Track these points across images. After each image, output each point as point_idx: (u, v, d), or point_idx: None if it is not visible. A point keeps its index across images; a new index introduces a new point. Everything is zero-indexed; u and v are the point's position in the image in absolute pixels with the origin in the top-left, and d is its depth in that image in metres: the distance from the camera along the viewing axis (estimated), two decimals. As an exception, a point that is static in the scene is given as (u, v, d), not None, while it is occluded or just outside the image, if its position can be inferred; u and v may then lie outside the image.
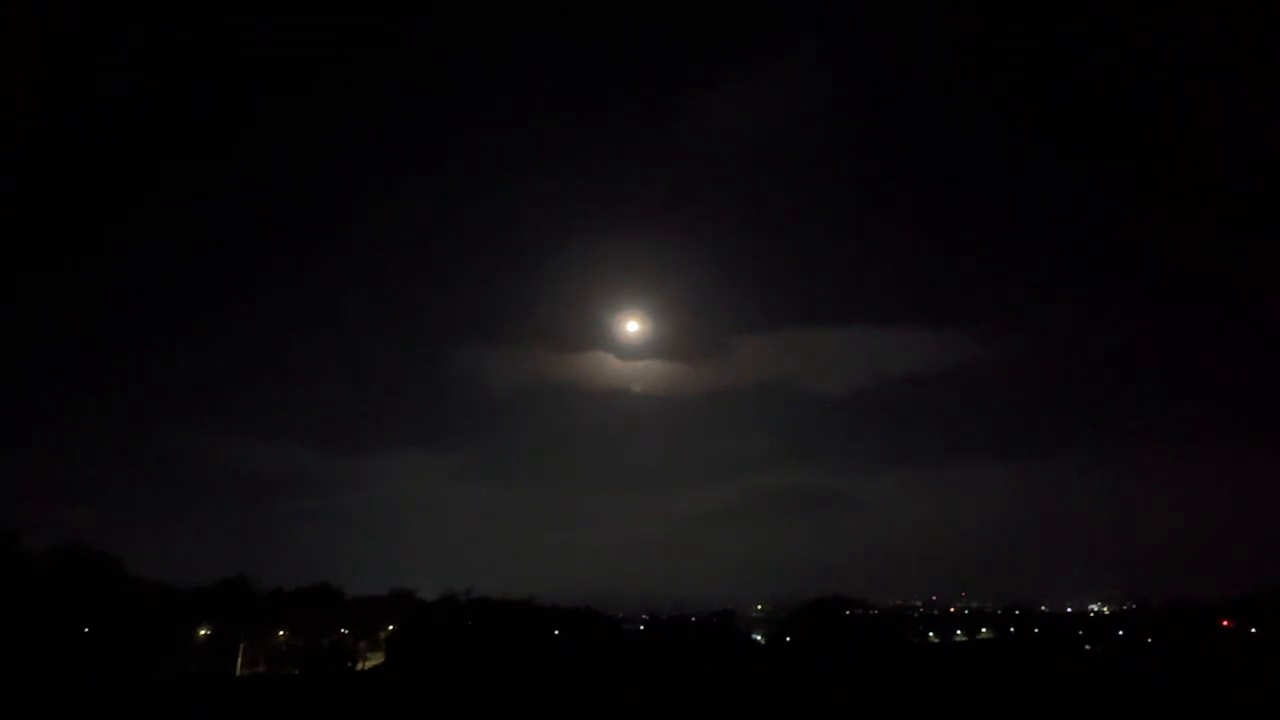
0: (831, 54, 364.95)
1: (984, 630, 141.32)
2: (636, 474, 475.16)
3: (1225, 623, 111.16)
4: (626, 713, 40.46)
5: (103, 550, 63.54)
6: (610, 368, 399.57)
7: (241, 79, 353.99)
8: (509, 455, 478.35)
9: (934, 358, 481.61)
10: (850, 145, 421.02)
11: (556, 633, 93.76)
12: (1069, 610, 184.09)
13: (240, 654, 73.13)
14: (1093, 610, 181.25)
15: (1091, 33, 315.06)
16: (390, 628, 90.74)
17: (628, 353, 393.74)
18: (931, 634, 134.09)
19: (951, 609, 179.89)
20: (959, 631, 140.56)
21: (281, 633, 77.24)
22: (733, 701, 43.31)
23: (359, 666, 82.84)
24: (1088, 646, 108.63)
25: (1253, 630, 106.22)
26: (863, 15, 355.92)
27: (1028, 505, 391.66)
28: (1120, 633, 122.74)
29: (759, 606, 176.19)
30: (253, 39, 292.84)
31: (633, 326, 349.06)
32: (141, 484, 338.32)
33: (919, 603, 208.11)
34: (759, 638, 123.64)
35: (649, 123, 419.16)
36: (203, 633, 70.57)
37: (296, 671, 70.56)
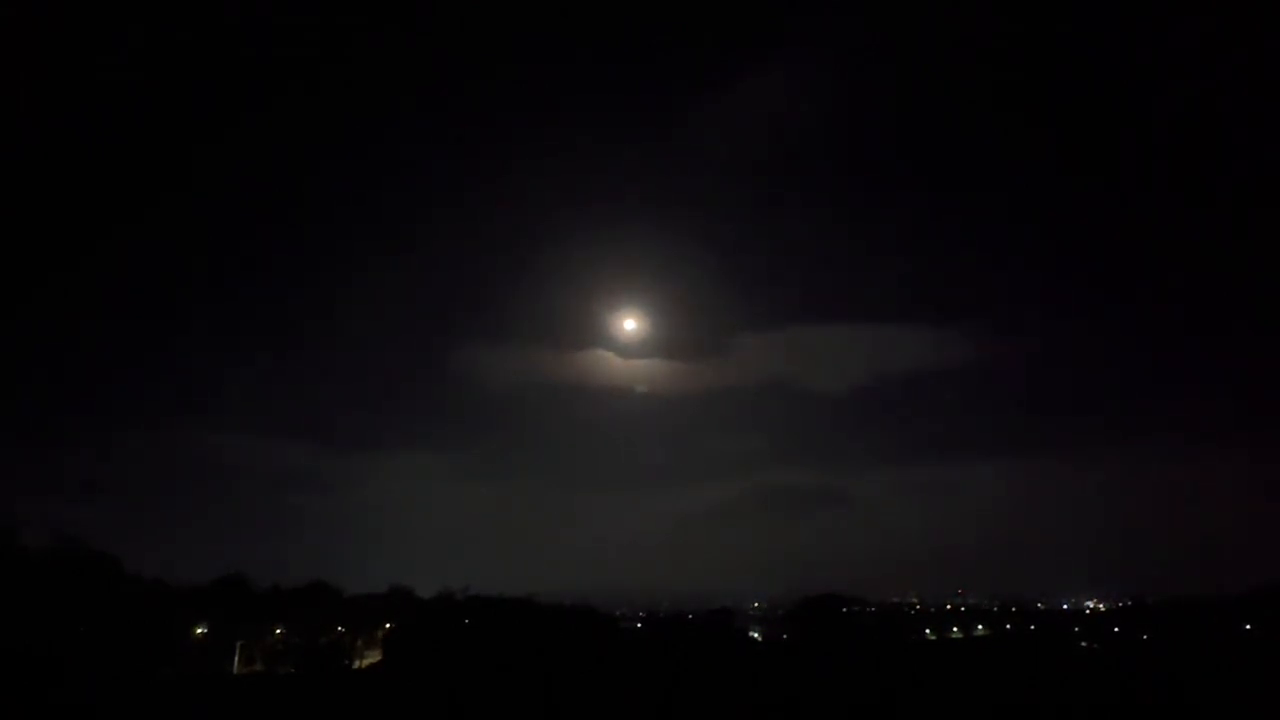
0: (832, 55, 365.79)
1: (981, 627, 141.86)
2: (636, 472, 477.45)
3: (1221, 620, 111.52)
4: (624, 711, 40.52)
5: (100, 548, 63.35)
6: (610, 366, 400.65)
7: (242, 79, 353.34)
8: (509, 454, 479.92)
9: (933, 356, 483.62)
10: (850, 145, 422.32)
11: (554, 630, 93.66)
12: (1065, 607, 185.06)
13: (237, 653, 73.04)
14: (1089, 607, 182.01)
15: (1093, 33, 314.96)
16: (388, 626, 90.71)
17: (628, 351, 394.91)
18: (929, 631, 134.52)
19: (948, 606, 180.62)
20: (956, 629, 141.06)
21: (279, 631, 77.16)
22: (730, 699, 43.39)
23: (356, 665, 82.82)
24: (1084, 644, 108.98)
25: (1248, 627, 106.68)
26: (863, 16, 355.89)
27: (1025, 503, 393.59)
28: (1116, 630, 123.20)
29: (756, 604, 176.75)
30: (253, 39, 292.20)
31: (630, 325, 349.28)
32: (140, 481, 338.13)
33: (916, 600, 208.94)
34: (756, 635, 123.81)
35: (649, 122, 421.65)
36: (199, 631, 70.45)
37: (294, 670, 70.45)
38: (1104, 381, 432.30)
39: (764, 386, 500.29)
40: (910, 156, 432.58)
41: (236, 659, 72.79)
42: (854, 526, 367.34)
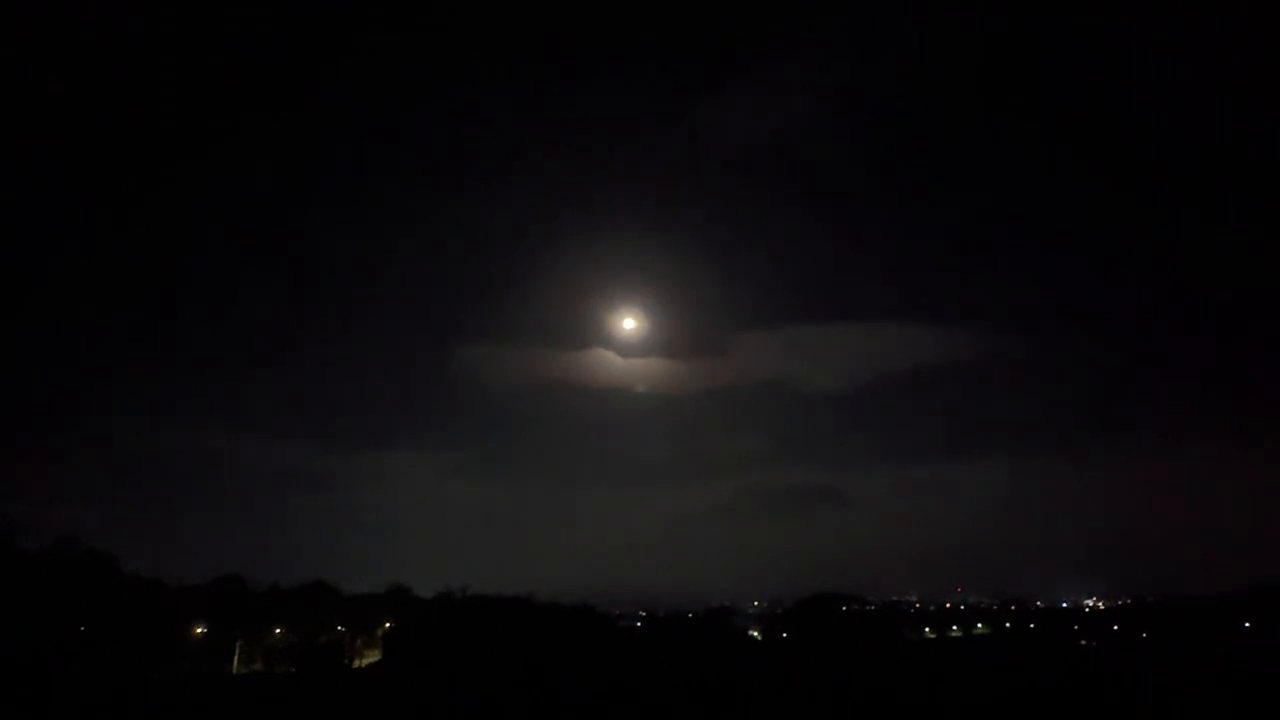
0: (832, 54, 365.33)
1: (980, 626, 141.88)
2: (636, 472, 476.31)
3: (1219, 618, 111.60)
4: (623, 710, 40.51)
5: (98, 548, 63.26)
6: (610, 365, 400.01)
7: (242, 79, 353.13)
8: (508, 453, 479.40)
9: (933, 355, 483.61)
10: (850, 144, 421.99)
11: (553, 630, 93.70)
12: (1065, 606, 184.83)
13: (237, 652, 72.97)
14: (1088, 605, 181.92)
15: (1091, 33, 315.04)
16: (388, 625, 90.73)
17: (628, 350, 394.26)
18: (928, 629, 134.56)
19: (948, 604, 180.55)
20: (955, 627, 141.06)
21: (278, 630, 77.10)
22: (729, 698, 43.38)
23: (356, 664, 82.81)
24: (1083, 642, 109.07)
25: (1246, 625, 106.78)
26: (864, 15, 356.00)
27: (1024, 502, 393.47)
28: (1115, 628, 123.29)
29: (756, 603, 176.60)
30: (255, 39, 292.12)
31: (630, 324, 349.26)
32: (138, 482, 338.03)
33: (915, 598, 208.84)
34: (755, 634, 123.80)
35: (649, 122, 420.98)
36: (199, 631, 70.38)
37: (293, 669, 70.44)
38: (1103, 381, 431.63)
39: (764, 386, 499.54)
40: (910, 156, 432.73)
41: (236, 658, 72.72)
42: (854, 526, 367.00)
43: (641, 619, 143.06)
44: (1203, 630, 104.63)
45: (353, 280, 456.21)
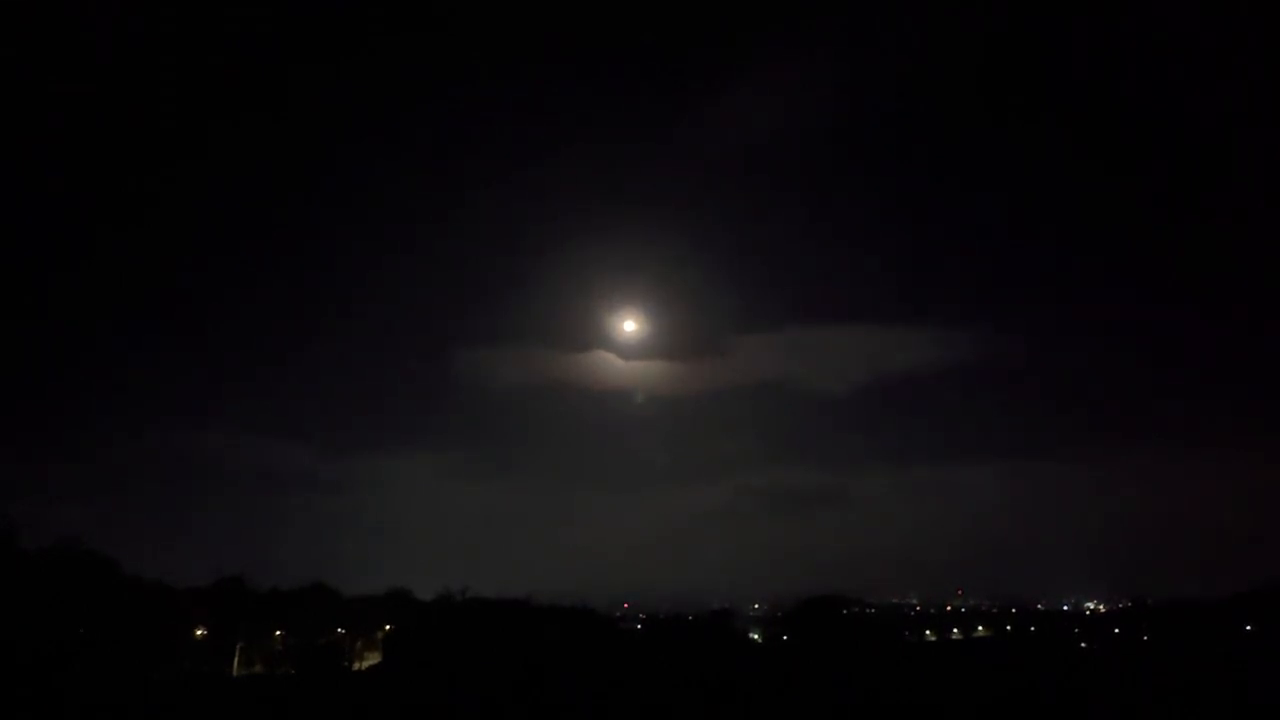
0: (831, 56, 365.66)
1: (981, 628, 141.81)
2: (636, 473, 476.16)
3: (1220, 620, 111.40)
4: (623, 712, 40.48)
5: (98, 549, 63.16)
6: (610, 367, 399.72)
7: (242, 78, 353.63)
8: (508, 454, 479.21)
9: (933, 357, 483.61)
10: (850, 144, 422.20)
11: (553, 632, 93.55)
12: (1065, 608, 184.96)
13: (237, 654, 72.92)
14: (1089, 608, 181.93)
15: (1091, 34, 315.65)
16: (387, 627, 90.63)
17: (628, 353, 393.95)
18: (928, 632, 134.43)
19: (948, 607, 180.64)
20: (955, 630, 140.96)
21: (278, 632, 77.05)
22: (729, 701, 43.35)
23: (356, 666, 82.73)
24: (1084, 644, 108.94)
25: (1248, 628, 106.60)
26: (862, 17, 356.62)
27: (1025, 504, 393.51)
28: (1116, 630, 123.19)
29: (755, 605, 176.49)
30: (255, 38, 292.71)
31: (630, 326, 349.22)
32: (138, 482, 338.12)
33: (915, 601, 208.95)
34: (756, 637, 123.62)
35: (649, 123, 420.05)
36: (199, 633, 70.35)
37: (293, 671, 70.37)
38: (1103, 382, 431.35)
39: (764, 387, 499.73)
40: (910, 156, 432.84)
41: (236, 660, 72.65)
42: (854, 526, 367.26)
43: (642, 621, 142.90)
44: (1203, 632, 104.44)
45: (353, 280, 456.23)
